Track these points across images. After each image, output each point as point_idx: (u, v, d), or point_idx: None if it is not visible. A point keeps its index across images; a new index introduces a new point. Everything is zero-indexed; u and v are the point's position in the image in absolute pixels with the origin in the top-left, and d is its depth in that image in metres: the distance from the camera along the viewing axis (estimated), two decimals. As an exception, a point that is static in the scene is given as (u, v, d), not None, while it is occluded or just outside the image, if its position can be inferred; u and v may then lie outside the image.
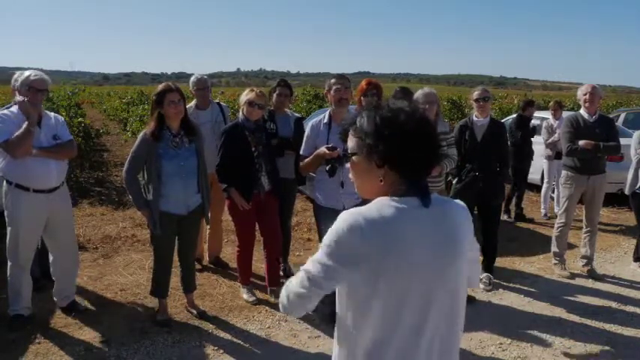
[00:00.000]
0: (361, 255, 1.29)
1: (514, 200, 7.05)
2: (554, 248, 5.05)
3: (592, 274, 4.91)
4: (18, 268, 3.59)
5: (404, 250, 1.30)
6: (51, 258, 3.86)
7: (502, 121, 6.40)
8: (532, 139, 7.00)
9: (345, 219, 1.31)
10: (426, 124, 1.37)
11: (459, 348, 1.48)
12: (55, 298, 3.91)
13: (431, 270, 1.34)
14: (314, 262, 1.36)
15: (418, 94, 4.25)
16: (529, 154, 7.02)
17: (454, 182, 4.59)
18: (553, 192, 7.09)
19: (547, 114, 7.64)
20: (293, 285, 1.42)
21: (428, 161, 1.38)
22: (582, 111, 4.81)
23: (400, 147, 1.33)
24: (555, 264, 5.05)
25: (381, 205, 1.33)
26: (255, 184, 4.03)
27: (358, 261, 1.29)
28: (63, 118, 3.86)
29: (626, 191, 5.04)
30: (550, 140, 6.93)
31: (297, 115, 4.83)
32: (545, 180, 7.20)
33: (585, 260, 5.01)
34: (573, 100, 19.02)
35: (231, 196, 4.01)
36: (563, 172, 4.93)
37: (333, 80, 3.71)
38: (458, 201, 1.47)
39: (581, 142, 4.64)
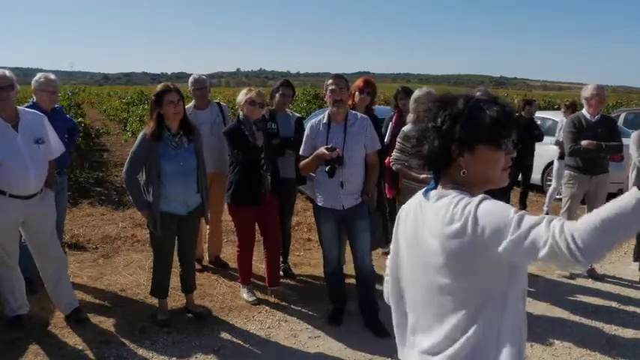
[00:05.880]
0: None
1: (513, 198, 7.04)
2: (554, 248, 5.04)
3: (592, 274, 4.90)
4: (2, 268, 3.51)
5: None
6: (38, 265, 3.68)
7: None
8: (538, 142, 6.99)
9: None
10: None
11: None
12: (55, 305, 3.81)
13: None
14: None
15: (418, 93, 4.20)
16: (528, 154, 7.01)
17: None
18: (559, 193, 7.08)
19: (547, 114, 7.63)
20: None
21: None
22: (584, 111, 4.81)
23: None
24: (555, 264, 5.04)
25: None
26: (261, 184, 4.03)
27: None
28: (44, 116, 3.56)
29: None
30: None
31: (297, 115, 4.84)
32: (554, 180, 7.17)
33: (585, 260, 5.00)
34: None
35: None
36: (566, 172, 4.92)
37: (329, 81, 3.70)
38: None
39: (583, 142, 4.64)
